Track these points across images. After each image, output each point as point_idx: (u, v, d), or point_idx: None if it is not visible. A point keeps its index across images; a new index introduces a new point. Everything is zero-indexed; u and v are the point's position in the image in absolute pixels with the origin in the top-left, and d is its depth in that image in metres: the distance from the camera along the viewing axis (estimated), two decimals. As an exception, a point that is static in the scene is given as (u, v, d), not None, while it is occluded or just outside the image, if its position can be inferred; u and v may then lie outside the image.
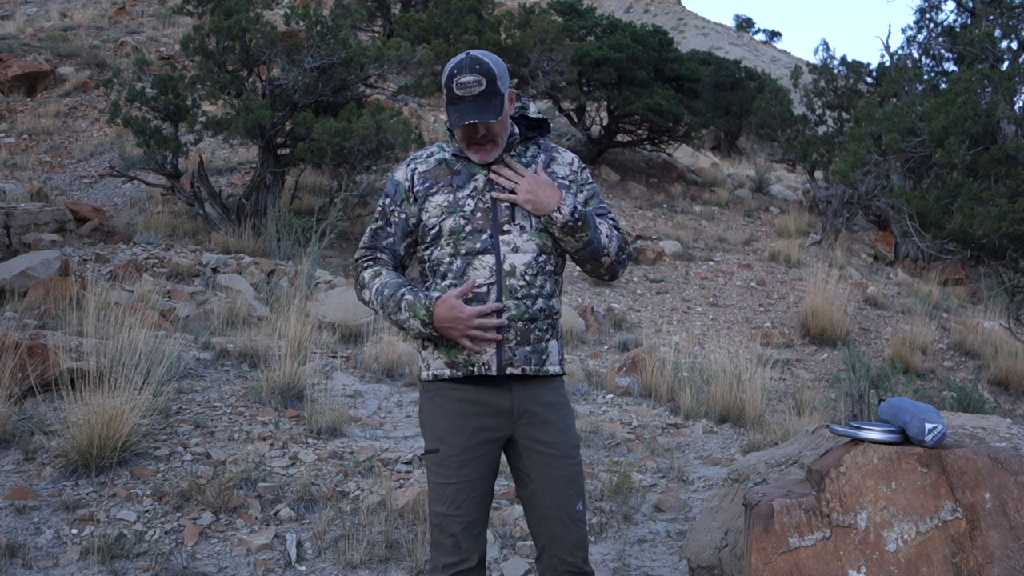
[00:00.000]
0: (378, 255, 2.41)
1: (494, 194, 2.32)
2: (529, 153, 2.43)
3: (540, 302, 2.32)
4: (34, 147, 12.72)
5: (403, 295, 2.30)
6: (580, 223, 2.30)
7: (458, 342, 2.25)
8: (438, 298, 2.26)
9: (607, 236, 2.38)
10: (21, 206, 8.79)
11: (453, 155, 2.41)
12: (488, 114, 2.24)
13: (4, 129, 13.23)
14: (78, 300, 5.67)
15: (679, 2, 46.80)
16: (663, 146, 16.54)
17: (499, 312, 2.26)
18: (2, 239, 8.17)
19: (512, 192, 2.31)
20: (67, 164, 12.35)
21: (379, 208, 2.44)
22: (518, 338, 2.29)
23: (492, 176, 2.33)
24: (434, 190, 2.35)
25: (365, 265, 2.42)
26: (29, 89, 14.61)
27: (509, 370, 2.29)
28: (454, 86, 2.24)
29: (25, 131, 13.17)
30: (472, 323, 2.23)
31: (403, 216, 2.39)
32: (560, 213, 2.29)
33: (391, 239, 2.40)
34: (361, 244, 2.45)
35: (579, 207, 2.32)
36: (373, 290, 2.36)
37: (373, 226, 2.43)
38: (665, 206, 14.62)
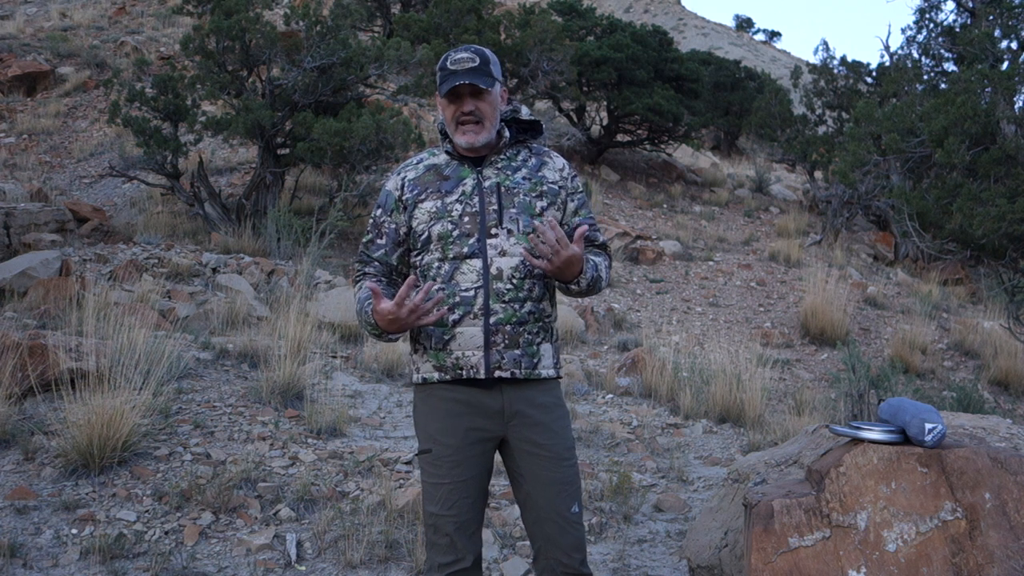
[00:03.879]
0: (367, 269, 2.46)
1: (530, 260, 2.25)
2: (520, 156, 2.44)
3: (529, 305, 2.32)
4: (34, 147, 12.72)
5: (361, 309, 2.36)
6: (591, 285, 2.36)
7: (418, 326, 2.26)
8: (373, 309, 2.28)
9: (605, 269, 2.43)
10: (21, 206, 8.79)
11: (446, 153, 2.43)
12: (479, 79, 2.28)
13: (4, 129, 13.23)
14: (78, 300, 5.67)
15: (679, 2, 46.79)
16: (663, 146, 16.55)
17: (428, 290, 2.22)
18: (2, 239, 8.17)
19: (545, 257, 2.23)
20: (67, 164, 12.35)
21: (371, 219, 2.48)
22: (506, 341, 2.30)
23: (535, 225, 2.25)
24: (423, 196, 2.37)
25: (357, 278, 2.49)
26: (29, 89, 14.60)
27: (498, 373, 2.30)
28: (448, 62, 2.32)
29: (25, 131, 13.17)
30: (408, 317, 2.20)
31: (393, 226, 2.42)
32: (578, 285, 2.32)
33: (382, 250, 2.44)
34: (357, 256, 2.51)
35: (590, 271, 2.33)
36: (357, 306, 2.42)
37: (365, 238, 2.48)
38: (665, 206, 14.62)
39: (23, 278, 6.54)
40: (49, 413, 4.23)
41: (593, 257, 2.41)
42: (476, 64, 2.30)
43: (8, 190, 9.82)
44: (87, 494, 3.75)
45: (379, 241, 2.44)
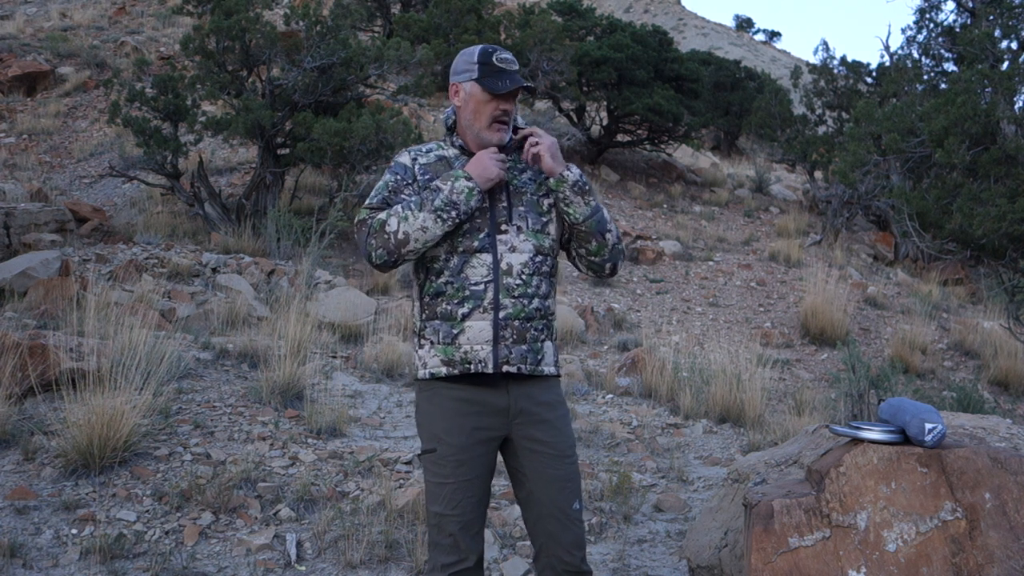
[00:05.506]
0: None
1: (530, 137, 2.38)
2: (523, 159, 2.46)
3: (536, 302, 2.35)
4: (34, 147, 12.72)
5: (432, 186, 2.31)
6: (587, 186, 2.38)
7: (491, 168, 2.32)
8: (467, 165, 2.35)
9: (611, 222, 2.46)
10: (21, 206, 8.79)
11: (458, 147, 2.44)
12: (527, 83, 2.39)
13: (4, 129, 13.23)
14: (78, 300, 5.67)
15: (679, 2, 46.77)
16: (663, 146, 16.54)
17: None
18: (2, 239, 8.16)
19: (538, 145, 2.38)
20: (67, 164, 12.35)
21: (386, 183, 2.38)
22: (514, 336, 2.31)
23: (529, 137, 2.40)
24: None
25: (373, 214, 2.33)
26: (29, 89, 14.60)
27: (505, 368, 2.31)
28: (495, 60, 2.36)
29: (25, 131, 13.16)
30: (496, 162, 2.34)
31: (412, 195, 2.37)
32: (570, 172, 2.36)
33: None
34: (367, 206, 2.36)
35: (595, 202, 2.40)
36: (397, 214, 2.28)
37: (380, 195, 2.36)
38: (665, 206, 14.62)
39: (23, 278, 6.53)
40: (49, 413, 4.23)
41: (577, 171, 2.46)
42: (518, 67, 2.38)
43: (8, 190, 9.82)
44: (87, 494, 3.75)
45: (402, 197, 2.35)
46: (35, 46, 15.78)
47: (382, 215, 2.30)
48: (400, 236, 2.26)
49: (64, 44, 15.81)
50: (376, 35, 16.00)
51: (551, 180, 2.35)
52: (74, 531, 3.49)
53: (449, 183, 2.28)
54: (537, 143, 2.35)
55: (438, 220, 2.26)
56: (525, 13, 14.59)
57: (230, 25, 9.41)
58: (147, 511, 3.67)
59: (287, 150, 10.12)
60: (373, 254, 2.29)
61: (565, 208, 2.37)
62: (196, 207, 9.84)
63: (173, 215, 10.27)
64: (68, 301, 5.74)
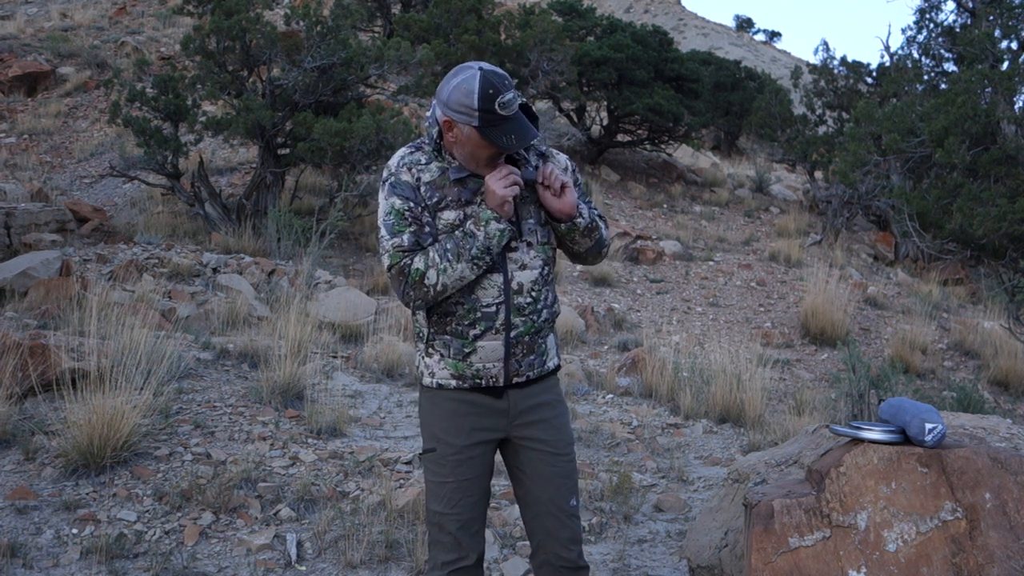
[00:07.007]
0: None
1: (557, 171, 2.27)
2: (532, 157, 2.41)
3: (545, 313, 2.35)
4: (34, 147, 12.72)
5: (461, 232, 2.20)
6: (593, 223, 2.36)
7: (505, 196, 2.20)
8: (481, 203, 2.24)
9: (601, 225, 2.43)
10: (21, 206, 8.79)
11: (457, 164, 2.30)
12: (533, 131, 2.21)
13: (4, 129, 13.23)
14: (79, 300, 5.67)
15: (679, 2, 46.77)
16: (663, 146, 16.55)
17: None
18: (2, 239, 8.17)
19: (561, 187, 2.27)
20: (67, 164, 12.35)
21: (400, 212, 2.23)
22: (524, 351, 2.32)
23: (544, 172, 2.28)
24: (442, 205, 2.25)
25: (408, 261, 2.21)
26: (29, 89, 14.61)
27: (515, 380, 2.33)
28: (497, 107, 2.13)
29: (25, 131, 13.17)
30: (504, 179, 2.20)
31: (428, 219, 2.25)
32: (582, 217, 2.32)
33: (429, 240, 2.24)
34: (398, 247, 2.21)
35: (587, 212, 2.35)
36: (436, 265, 2.18)
37: (407, 227, 2.22)
38: (665, 206, 14.63)
39: (24, 278, 6.54)
40: (50, 413, 4.23)
41: (586, 207, 2.37)
42: (520, 101, 2.19)
43: (9, 190, 9.82)
44: (87, 494, 3.75)
45: (426, 231, 2.23)
46: (36, 46, 15.78)
47: (419, 263, 2.19)
48: (439, 288, 2.19)
49: (64, 44, 15.81)
50: (376, 35, 16.00)
51: (562, 225, 2.30)
52: (74, 531, 3.49)
53: (483, 228, 2.18)
54: (565, 181, 2.26)
55: (474, 267, 2.20)
56: (525, 13, 14.59)
57: (230, 25, 9.41)
58: (147, 511, 3.67)
59: (287, 150, 10.12)
60: (411, 304, 2.25)
61: (570, 244, 2.36)
62: (196, 207, 9.84)
63: (173, 215, 10.27)
64: (68, 301, 5.74)
